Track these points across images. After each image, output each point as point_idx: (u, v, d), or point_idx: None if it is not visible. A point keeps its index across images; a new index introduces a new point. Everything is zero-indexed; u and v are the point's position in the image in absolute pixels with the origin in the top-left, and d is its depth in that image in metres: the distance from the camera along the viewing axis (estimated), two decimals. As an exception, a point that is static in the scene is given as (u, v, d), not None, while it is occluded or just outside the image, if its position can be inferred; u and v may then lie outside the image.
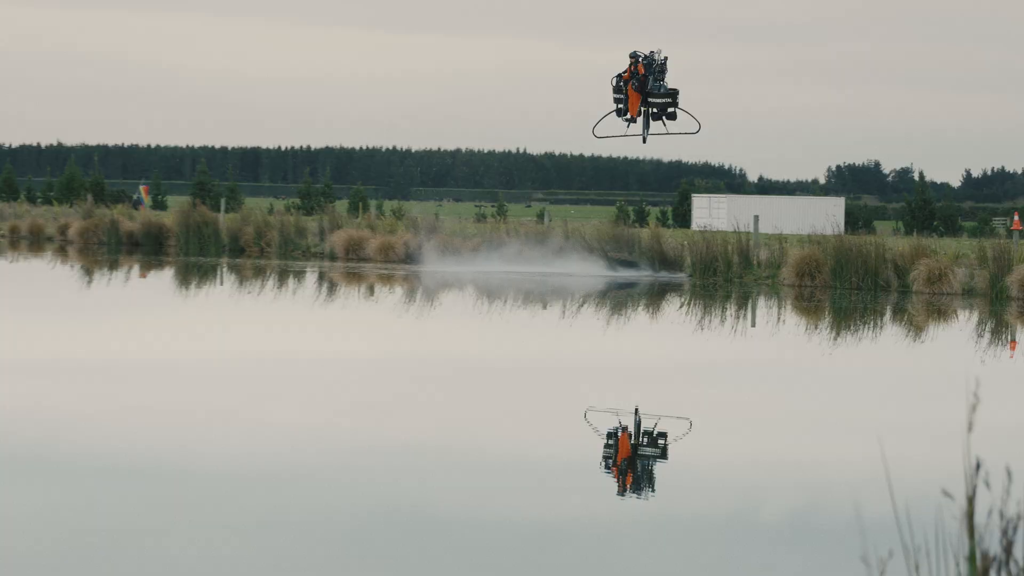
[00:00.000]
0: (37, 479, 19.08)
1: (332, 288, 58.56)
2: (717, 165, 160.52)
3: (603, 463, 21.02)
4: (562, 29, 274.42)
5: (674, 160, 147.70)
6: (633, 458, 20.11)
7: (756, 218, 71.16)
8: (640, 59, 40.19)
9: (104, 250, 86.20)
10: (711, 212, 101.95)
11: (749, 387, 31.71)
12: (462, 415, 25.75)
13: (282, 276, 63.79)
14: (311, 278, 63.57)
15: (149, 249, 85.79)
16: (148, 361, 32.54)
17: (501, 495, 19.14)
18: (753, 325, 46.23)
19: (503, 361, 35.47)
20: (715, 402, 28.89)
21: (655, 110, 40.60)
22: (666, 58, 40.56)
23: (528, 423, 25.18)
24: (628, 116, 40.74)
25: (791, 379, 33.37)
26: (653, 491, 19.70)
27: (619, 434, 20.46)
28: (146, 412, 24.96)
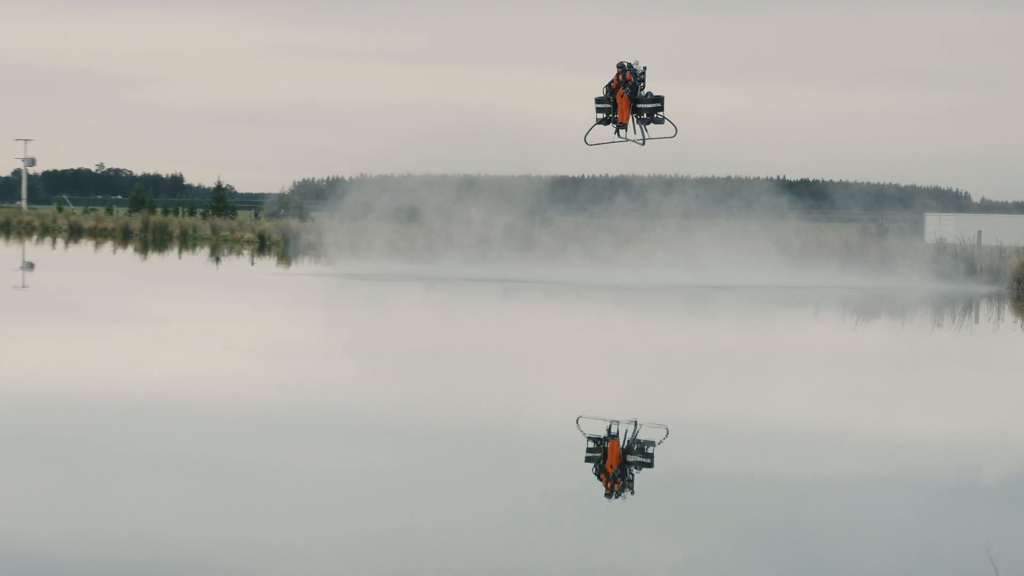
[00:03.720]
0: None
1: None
2: (946, 188, 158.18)
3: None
4: (816, 78, 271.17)
5: (909, 184, 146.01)
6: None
7: (979, 233, 70.21)
8: (627, 67, 37.72)
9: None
10: (940, 228, 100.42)
11: (980, 372, 31.48)
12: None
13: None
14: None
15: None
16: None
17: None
18: (977, 321, 45.90)
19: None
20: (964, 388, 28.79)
21: (644, 115, 37.89)
22: (645, 68, 37.97)
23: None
24: (619, 122, 37.88)
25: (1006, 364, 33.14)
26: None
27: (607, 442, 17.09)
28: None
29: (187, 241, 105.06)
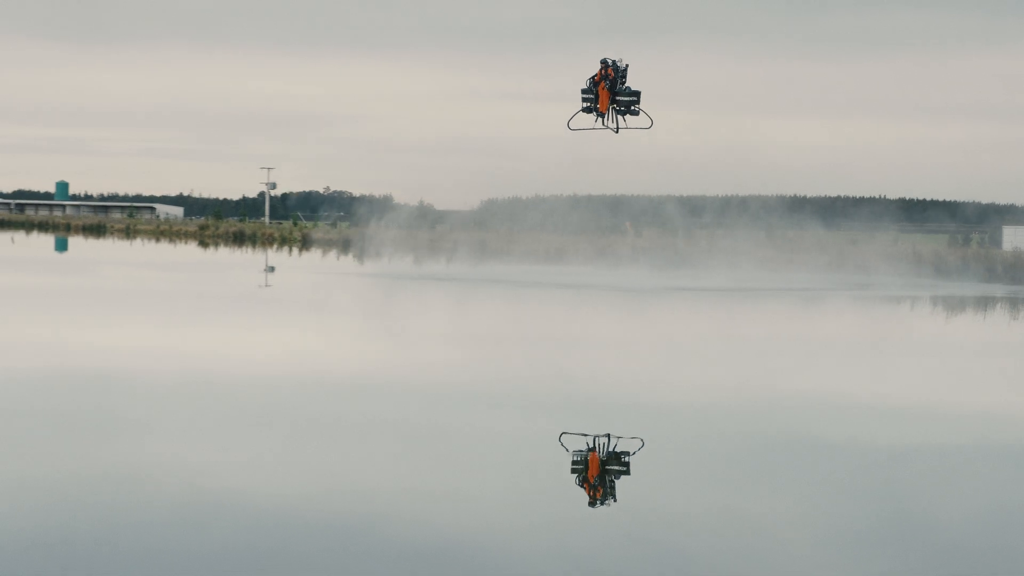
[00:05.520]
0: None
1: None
2: (1020, 205, 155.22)
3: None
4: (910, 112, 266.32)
5: (990, 202, 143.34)
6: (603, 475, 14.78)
7: (1049, 243, 68.72)
8: (610, 64, 34.83)
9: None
10: (1015, 239, 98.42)
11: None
12: None
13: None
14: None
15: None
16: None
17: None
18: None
19: None
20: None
21: (621, 107, 34.72)
22: (627, 65, 35.05)
23: None
24: (598, 111, 34.70)
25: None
26: None
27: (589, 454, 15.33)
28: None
29: (395, 248, 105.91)
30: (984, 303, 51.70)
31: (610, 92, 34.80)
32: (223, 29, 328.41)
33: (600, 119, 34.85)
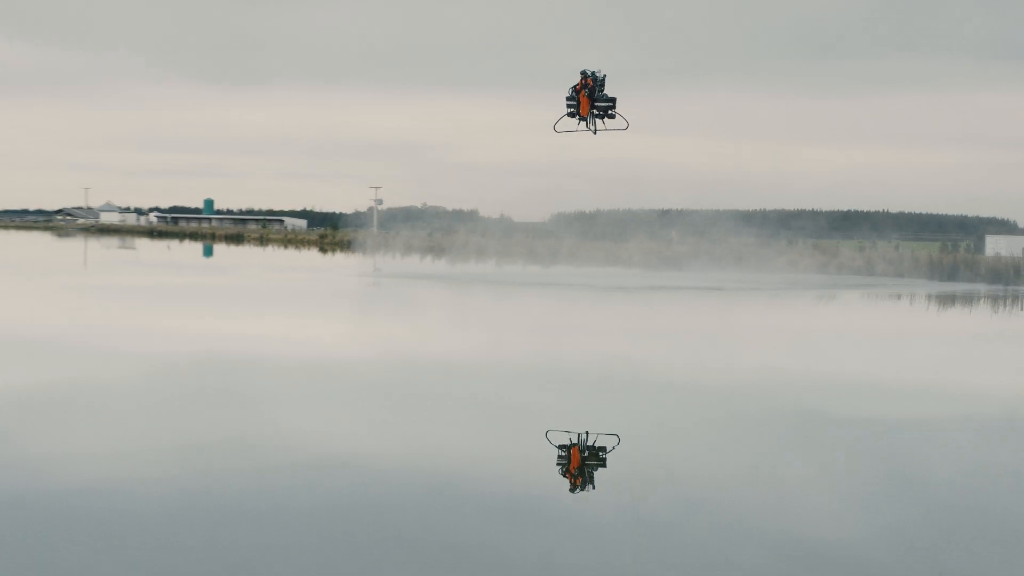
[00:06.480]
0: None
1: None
2: (1001, 218, 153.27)
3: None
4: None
5: (975, 215, 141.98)
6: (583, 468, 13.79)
7: (1024, 249, 68.20)
8: (589, 74, 35.89)
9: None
10: (996, 246, 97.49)
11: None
12: None
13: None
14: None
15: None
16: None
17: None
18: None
19: None
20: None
21: (600, 112, 35.25)
22: (604, 75, 33.22)
23: None
24: (580, 116, 35.31)
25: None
26: None
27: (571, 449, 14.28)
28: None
29: (480, 253, 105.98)
30: (971, 299, 51.34)
31: (589, 99, 33.20)
32: (340, 73, 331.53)
33: (582, 122, 33.08)
